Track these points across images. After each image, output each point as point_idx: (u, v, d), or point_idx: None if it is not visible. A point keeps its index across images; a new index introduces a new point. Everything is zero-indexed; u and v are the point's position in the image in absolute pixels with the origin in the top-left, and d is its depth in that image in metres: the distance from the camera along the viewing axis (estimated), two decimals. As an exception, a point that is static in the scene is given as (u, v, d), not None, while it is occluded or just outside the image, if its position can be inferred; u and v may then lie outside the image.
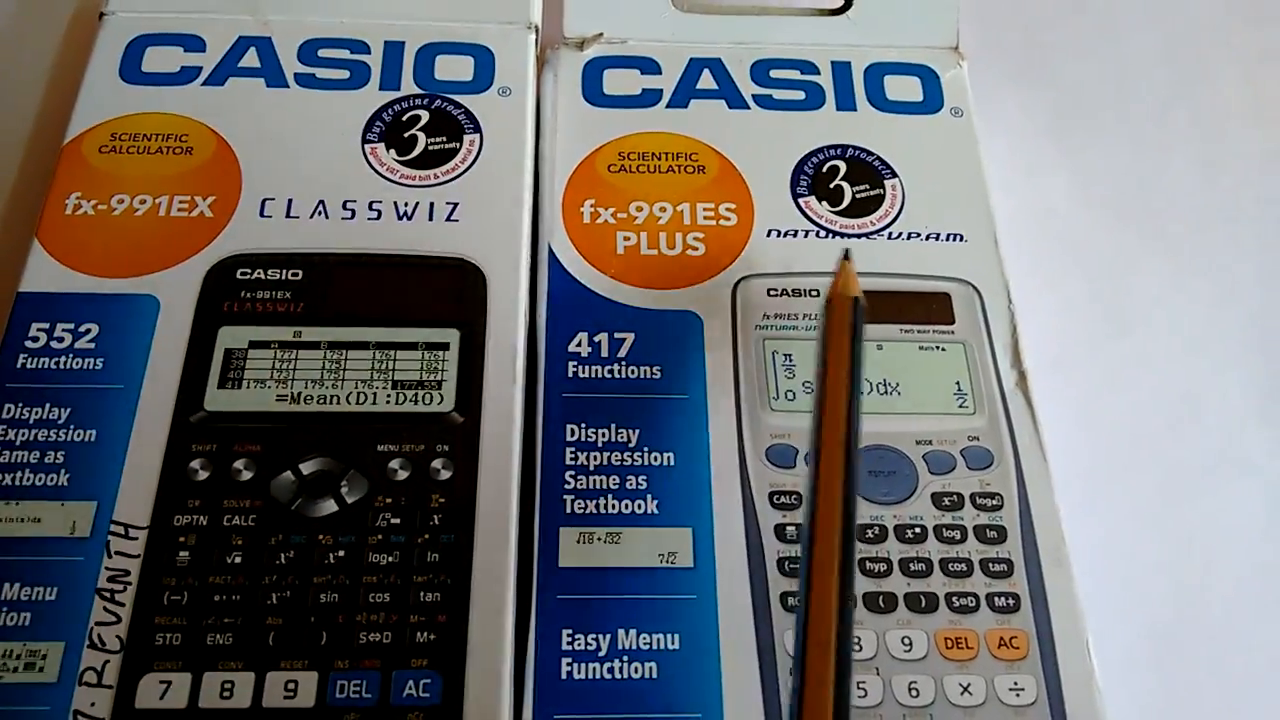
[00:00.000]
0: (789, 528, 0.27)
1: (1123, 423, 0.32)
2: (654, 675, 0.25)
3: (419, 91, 0.33)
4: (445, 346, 0.28)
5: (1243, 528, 0.32)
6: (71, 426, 0.27)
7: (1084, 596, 0.27)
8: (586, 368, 0.29)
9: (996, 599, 0.27)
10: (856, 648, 0.26)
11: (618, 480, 0.28)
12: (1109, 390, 0.33)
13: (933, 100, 0.35)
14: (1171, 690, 0.28)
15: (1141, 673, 0.28)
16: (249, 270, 0.29)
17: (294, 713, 0.23)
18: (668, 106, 0.34)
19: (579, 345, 0.30)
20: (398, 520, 0.26)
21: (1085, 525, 0.28)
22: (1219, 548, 0.31)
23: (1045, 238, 0.36)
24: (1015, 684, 0.26)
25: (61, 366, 0.27)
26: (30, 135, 0.35)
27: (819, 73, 0.35)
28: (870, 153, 0.34)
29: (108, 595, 0.25)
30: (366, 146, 0.32)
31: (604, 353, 0.30)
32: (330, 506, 0.26)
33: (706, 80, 0.35)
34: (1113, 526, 0.30)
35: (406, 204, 0.31)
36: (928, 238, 0.32)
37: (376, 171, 0.31)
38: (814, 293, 0.31)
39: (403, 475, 0.26)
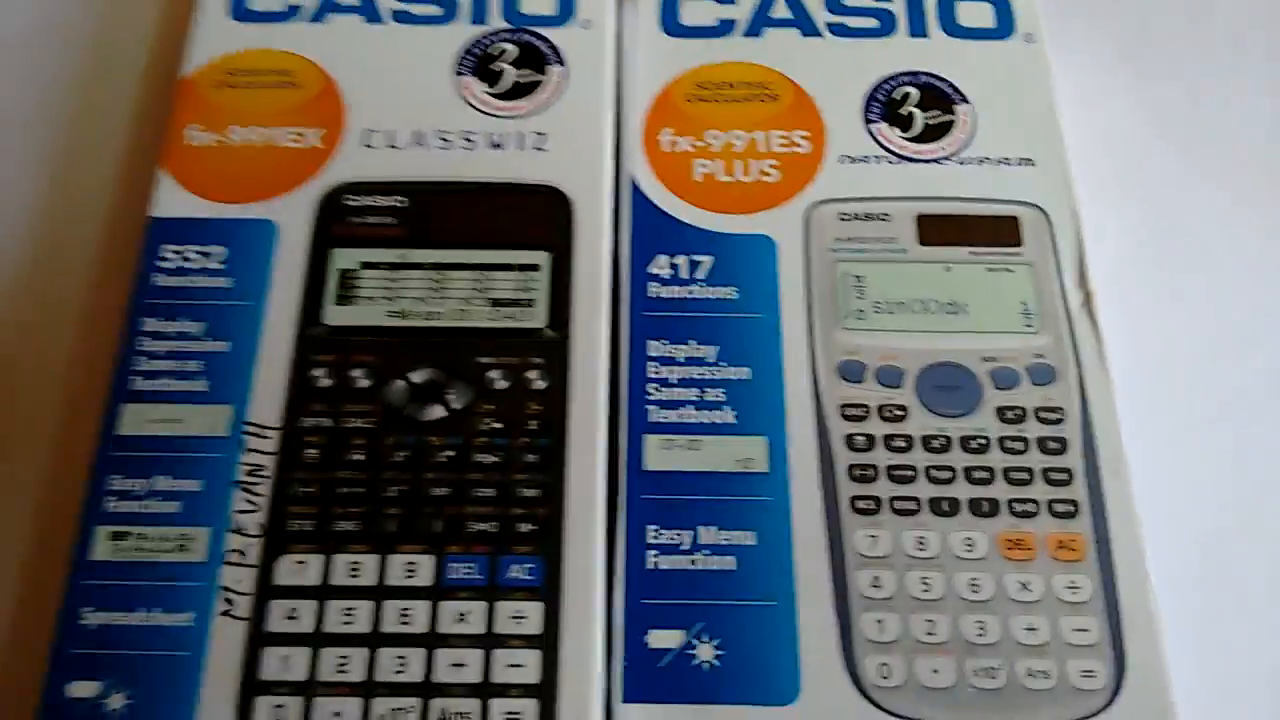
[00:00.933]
0: (858, 437, 0.29)
1: (1183, 344, 0.33)
2: (733, 568, 0.28)
3: (505, 25, 0.35)
4: (536, 268, 0.31)
5: (1299, 447, 0.33)
6: (206, 338, 0.30)
7: (1140, 506, 0.28)
8: (667, 288, 0.31)
9: (1056, 505, 0.28)
10: (921, 548, 0.28)
11: (697, 392, 0.30)
12: (1171, 312, 0.34)
13: (1005, 26, 0.36)
14: (1221, 597, 0.30)
15: (1193, 579, 0.30)
16: (357, 197, 0.31)
17: (414, 589, 0.27)
18: (743, 36, 0.35)
19: (659, 267, 0.32)
20: (499, 425, 0.28)
21: (1144, 440, 0.29)
22: (1272, 465, 0.32)
23: (1112, 164, 0.36)
24: (1072, 583, 0.27)
25: (194, 285, 0.30)
26: (144, 69, 0.38)
27: None
28: (942, 79, 0.34)
29: (246, 487, 0.28)
30: (459, 79, 0.34)
31: (683, 274, 0.32)
32: (439, 411, 0.29)
33: (780, 9, 0.36)
34: (1170, 442, 0.31)
35: (497, 135, 0.33)
36: (998, 163, 0.33)
37: (468, 104, 0.33)
38: (884, 217, 0.32)
39: (502, 385, 0.29)
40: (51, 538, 0.30)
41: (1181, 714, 0.26)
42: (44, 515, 0.31)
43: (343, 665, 0.26)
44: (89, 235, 0.34)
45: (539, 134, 0.33)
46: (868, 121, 0.34)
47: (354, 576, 0.27)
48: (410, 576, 0.27)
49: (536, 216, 0.31)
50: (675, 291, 0.31)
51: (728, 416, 0.30)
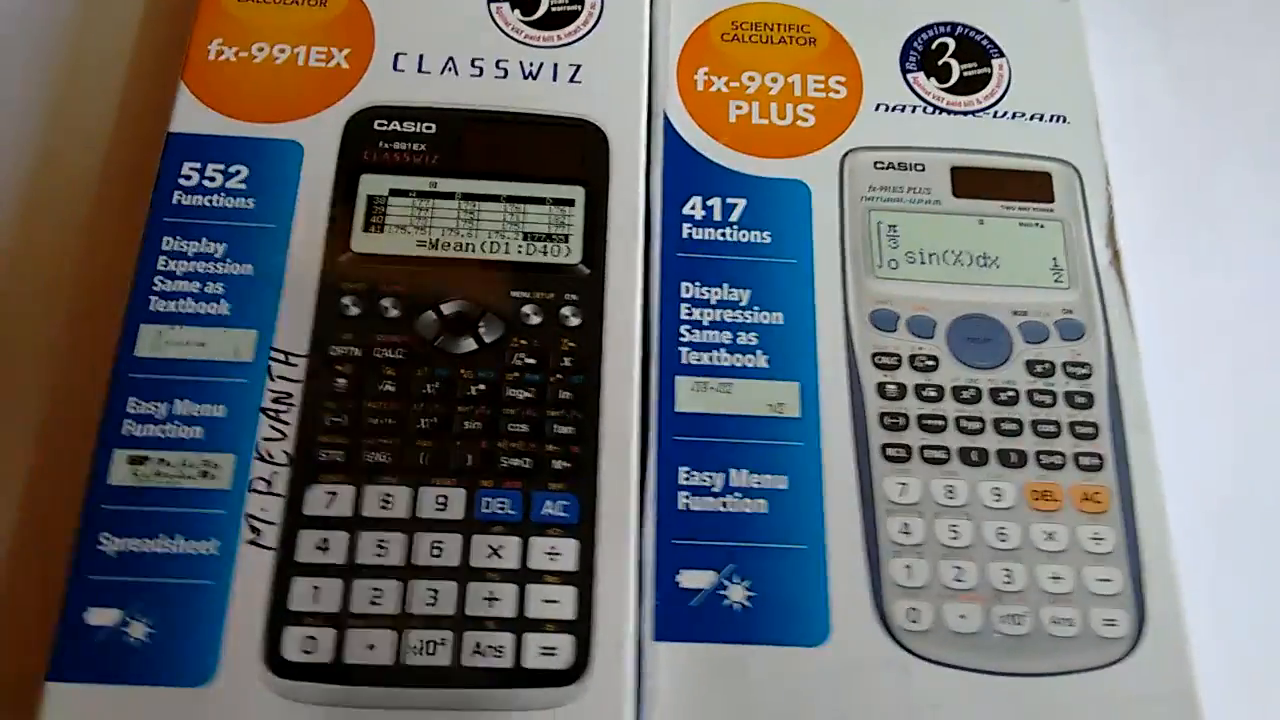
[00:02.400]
0: (889, 386, 0.29)
1: (1206, 304, 0.34)
2: (764, 510, 0.28)
3: (539, -48, 0.34)
4: (571, 202, 0.30)
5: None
6: (228, 260, 0.29)
7: (1163, 461, 0.29)
8: (700, 230, 0.31)
9: (1082, 458, 0.29)
10: (950, 496, 0.28)
11: (729, 336, 0.30)
12: (1194, 273, 0.34)
13: (1042, -18, 0.35)
14: (1238, 550, 0.31)
15: (1212, 532, 0.30)
16: (386, 121, 0.30)
17: (446, 523, 0.26)
18: (781, -24, 0.35)
19: (693, 208, 0.31)
20: (532, 360, 0.28)
21: (1167, 397, 0.30)
22: (1287, 426, 0.33)
23: (1141, 125, 0.36)
24: (1096, 534, 0.28)
25: (215, 204, 0.29)
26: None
27: (932, -52, 0.36)
28: (979, 31, 0.34)
29: (272, 414, 0.27)
30: (492, 6, 0.32)
31: (716, 216, 0.31)
32: (470, 344, 0.28)
33: (818, -50, 0.35)
34: (1192, 399, 0.32)
35: (531, 64, 0.32)
36: (1031, 118, 0.33)
37: (502, 31, 0.32)
38: (919, 167, 0.32)
39: (535, 320, 0.28)
40: (63, 459, 0.29)
41: (1198, 662, 0.27)
42: (55, 437, 0.30)
43: (376, 597, 0.25)
44: (98, 148, 0.33)
45: (574, 65, 0.32)
46: (904, 70, 0.33)
47: (385, 508, 0.26)
48: (441, 510, 0.26)
49: (571, 150, 0.30)
50: (708, 234, 0.31)
51: (760, 361, 0.29)
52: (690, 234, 0.31)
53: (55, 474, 0.29)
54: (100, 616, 0.25)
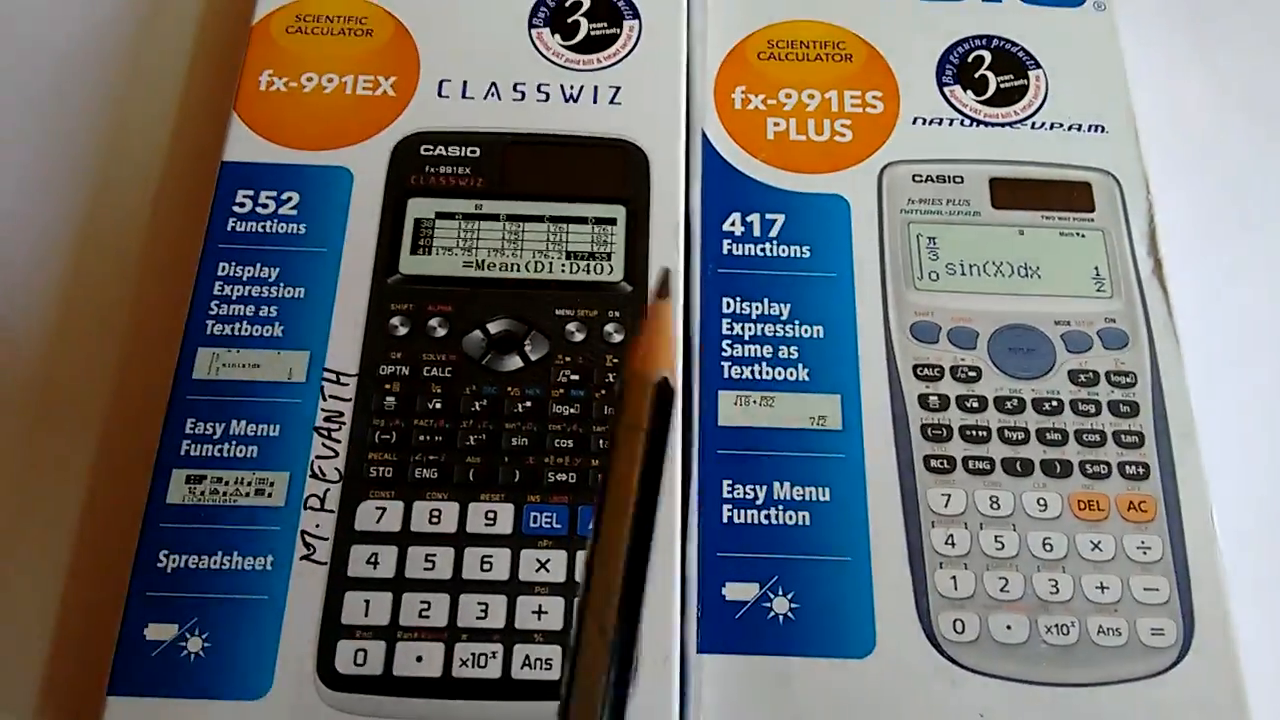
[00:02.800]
0: (931, 397, 0.29)
1: (1248, 312, 0.33)
2: (807, 523, 0.28)
3: (577, -22, 0.35)
4: (613, 221, 0.30)
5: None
6: (281, 284, 0.29)
7: (1209, 468, 0.29)
8: (740, 246, 0.31)
9: (1127, 467, 0.29)
10: (994, 507, 0.28)
11: (770, 350, 0.30)
12: (1236, 281, 0.34)
13: (1076, -8, 0.36)
14: (1285, 559, 0.30)
15: (1259, 540, 0.30)
16: (432, 146, 0.31)
17: (494, 538, 0.27)
18: (815, -5, 0.35)
19: (733, 225, 0.32)
20: (576, 377, 0.28)
21: (1212, 405, 0.30)
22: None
23: (1179, 133, 0.36)
24: (1143, 543, 0.28)
25: (268, 230, 0.30)
26: (203, 15, 0.38)
27: (965, -37, 0.36)
28: (1015, 44, 0.34)
29: (325, 433, 0.28)
30: (533, 31, 0.33)
31: (756, 232, 0.32)
32: (516, 362, 0.29)
33: (851, -32, 0.36)
34: (1237, 407, 0.32)
35: (572, 87, 0.32)
36: (1070, 128, 0.33)
37: (543, 55, 0.33)
38: (958, 179, 0.32)
39: (579, 337, 0.29)
40: (123, 481, 0.30)
41: (1248, 673, 0.26)
42: (113, 458, 0.31)
43: (425, 610, 0.26)
44: (153, 178, 0.34)
45: (613, 88, 0.32)
46: (941, 84, 0.34)
47: (434, 523, 0.27)
48: (490, 525, 0.27)
49: (612, 170, 0.31)
50: (748, 249, 0.31)
51: (801, 374, 0.30)
52: (730, 250, 0.31)
53: (116, 494, 0.30)
54: (158, 631, 0.26)
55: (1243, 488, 0.30)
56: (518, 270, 0.30)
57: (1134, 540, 0.28)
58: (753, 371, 0.30)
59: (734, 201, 0.32)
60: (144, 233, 0.34)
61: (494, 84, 0.32)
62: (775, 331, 0.30)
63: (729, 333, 0.30)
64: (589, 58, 0.33)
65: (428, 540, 0.27)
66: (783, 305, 0.31)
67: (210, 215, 0.30)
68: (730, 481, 0.29)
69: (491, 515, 0.27)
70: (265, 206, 0.30)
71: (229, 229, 0.30)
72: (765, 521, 0.28)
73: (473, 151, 0.31)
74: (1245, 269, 0.35)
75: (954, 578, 0.27)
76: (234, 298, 0.29)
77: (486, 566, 0.26)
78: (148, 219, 0.34)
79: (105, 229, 0.34)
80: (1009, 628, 0.27)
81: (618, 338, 0.29)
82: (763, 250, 0.31)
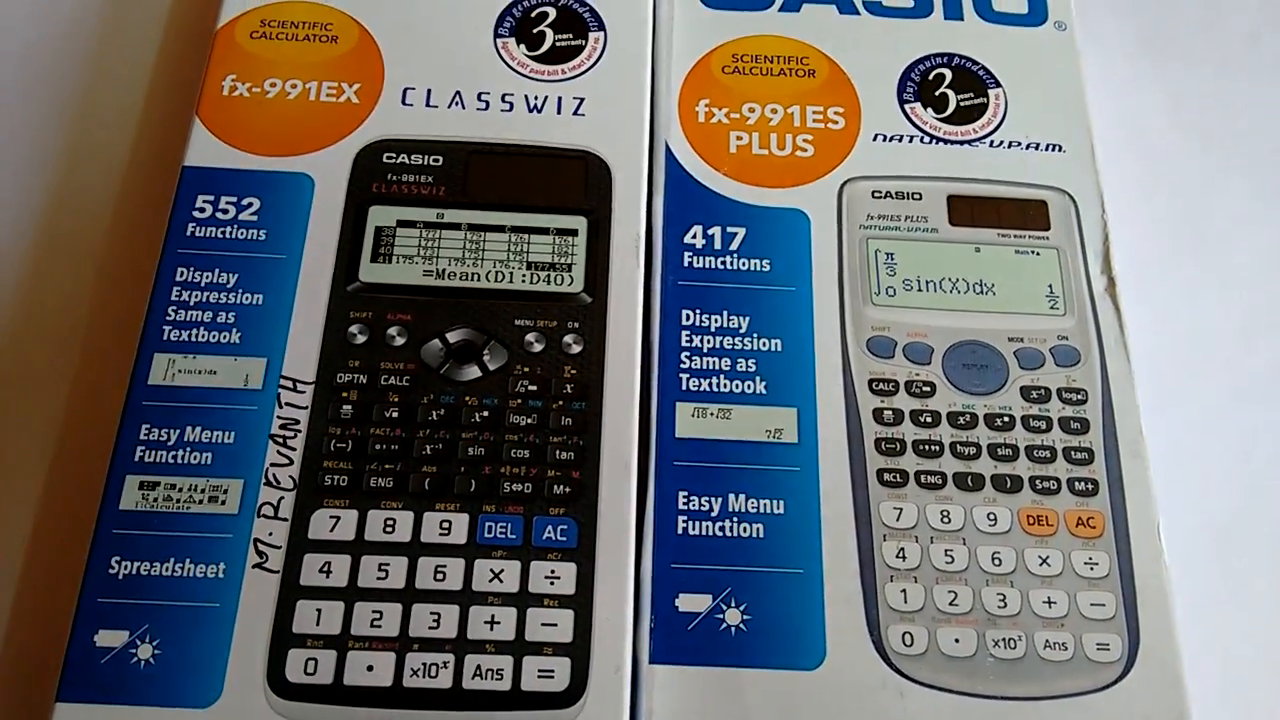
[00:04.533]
0: (886, 411, 0.30)
1: (1200, 330, 0.34)
2: (761, 535, 0.28)
3: (544, -11, 0.35)
4: (574, 232, 0.31)
5: (1306, 436, 0.34)
6: (240, 290, 0.29)
7: (1157, 486, 0.29)
8: (701, 258, 0.32)
9: (1077, 483, 0.29)
10: (945, 521, 0.28)
11: (729, 362, 0.30)
12: (1189, 300, 0.35)
13: (1037, 13, 0.36)
14: (1232, 575, 0.31)
15: (1205, 557, 0.31)
16: (394, 155, 0.31)
17: (449, 547, 0.27)
18: (780, 10, 0.35)
19: (694, 237, 0.32)
20: (534, 387, 0.29)
21: (1161, 422, 0.30)
22: (1282, 452, 0.33)
23: (1136, 153, 0.37)
24: (1090, 559, 0.28)
25: (227, 236, 0.30)
26: (167, 19, 0.37)
27: (928, -18, 0.36)
28: (975, 62, 0.35)
29: (280, 440, 0.28)
30: (498, 41, 0.33)
31: (717, 245, 0.32)
32: (474, 372, 0.29)
33: (816, -15, 0.36)
34: (1187, 425, 0.32)
35: (536, 98, 0.32)
36: (1028, 147, 0.33)
37: (508, 65, 0.33)
38: (916, 196, 0.32)
39: (538, 347, 0.29)
40: (76, 487, 0.30)
41: (1191, 688, 0.27)
42: (67, 463, 0.30)
43: (376, 620, 0.26)
44: (114, 181, 0.34)
45: (577, 99, 0.32)
46: (902, 101, 0.34)
47: (388, 532, 0.27)
48: (444, 534, 0.27)
49: (574, 182, 0.31)
50: (709, 262, 0.31)
51: (759, 387, 0.30)
52: (691, 262, 0.32)
53: (68, 499, 0.30)
54: (109, 638, 0.26)
55: (1190, 505, 0.30)
56: (478, 280, 0.30)
57: (1082, 556, 0.28)
58: (711, 384, 0.30)
59: (695, 214, 0.32)
60: (104, 236, 0.33)
61: (458, 93, 0.32)
62: (734, 344, 0.30)
63: (688, 344, 0.30)
64: (554, 68, 0.33)
65: (381, 549, 0.27)
66: (742, 318, 0.31)
67: (170, 220, 0.30)
68: (686, 493, 0.29)
69: (446, 525, 0.27)
70: (225, 212, 0.30)
71: (188, 234, 0.30)
72: (720, 533, 0.28)
73: (435, 160, 0.31)
74: (1198, 288, 0.35)
75: (904, 591, 0.28)
76: (192, 303, 0.29)
77: (440, 576, 0.26)
78: (108, 222, 0.34)
79: (65, 232, 0.34)
80: (957, 641, 0.27)
81: (576, 349, 0.29)
82: (723, 263, 0.31)
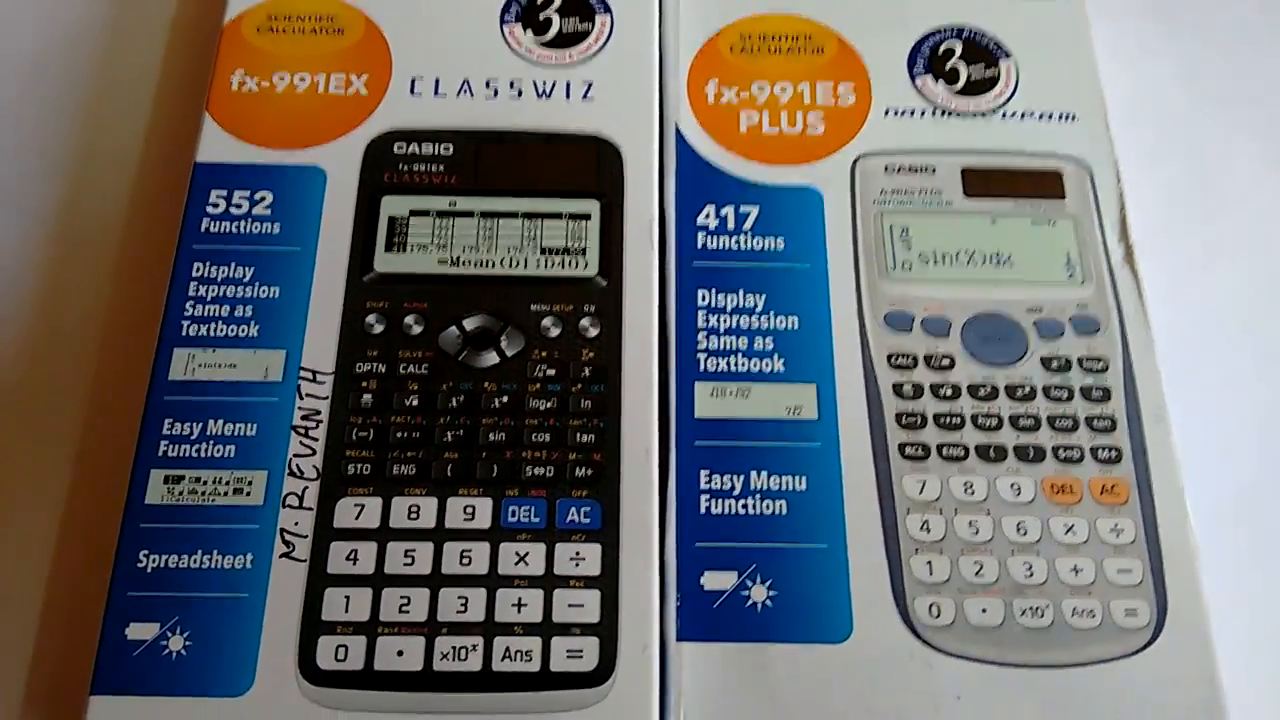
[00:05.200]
0: (905, 386, 0.30)
1: (1218, 296, 0.34)
2: (784, 511, 0.28)
3: (550, -26, 0.35)
4: (587, 216, 0.31)
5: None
6: (256, 284, 0.30)
7: (1181, 451, 0.29)
8: (715, 239, 0.31)
9: (1100, 451, 0.29)
10: (969, 493, 0.28)
11: (746, 341, 0.30)
12: (1207, 266, 0.34)
13: (1046, -18, 0.36)
14: (1258, 538, 0.31)
15: (1230, 522, 0.30)
16: (405, 144, 0.31)
17: (473, 532, 0.27)
18: (787, -12, 0.35)
19: (707, 218, 0.32)
20: (553, 371, 0.29)
21: (1183, 389, 0.30)
22: (1306, 415, 0.33)
23: (1150, 121, 0.36)
24: (1115, 526, 0.28)
25: (242, 230, 0.30)
26: (175, 16, 0.37)
27: (935, -46, 0.36)
28: (985, 34, 0.35)
29: (302, 431, 0.28)
30: (505, 27, 0.33)
31: (730, 225, 0.32)
32: (492, 358, 0.29)
33: (823, -39, 0.36)
34: (1208, 391, 0.32)
35: (545, 83, 0.32)
36: (1041, 117, 0.33)
37: (515, 51, 0.33)
38: (930, 169, 0.32)
39: (554, 332, 0.29)
40: (102, 483, 0.30)
41: (1220, 651, 0.27)
42: (92, 460, 0.31)
43: (404, 605, 0.26)
44: (127, 180, 0.34)
45: (586, 83, 0.32)
46: (913, 75, 0.34)
47: (413, 519, 0.27)
48: (469, 520, 0.27)
49: (586, 166, 0.31)
50: (723, 242, 0.31)
51: (777, 365, 0.30)
52: (705, 243, 0.31)
53: (94, 495, 0.30)
54: (140, 631, 0.26)
55: (1214, 470, 0.30)
56: (492, 266, 0.30)
57: (1107, 523, 0.28)
58: (729, 363, 0.30)
59: (708, 195, 0.32)
60: (119, 235, 0.34)
61: (466, 81, 0.32)
62: (750, 323, 0.30)
63: (705, 325, 0.30)
64: (561, 53, 0.33)
65: (406, 536, 0.27)
66: (758, 297, 0.31)
67: (184, 216, 0.30)
68: (708, 472, 0.29)
69: (470, 510, 0.27)
70: (239, 206, 0.30)
71: (203, 230, 0.30)
72: (743, 511, 0.28)
73: (446, 149, 0.31)
74: (1216, 254, 0.35)
75: (929, 563, 0.28)
76: (209, 298, 0.29)
77: (465, 561, 0.27)
78: (122, 221, 0.34)
79: (80, 232, 0.34)
80: (984, 611, 0.27)
81: (593, 332, 0.29)
82: (737, 243, 0.31)
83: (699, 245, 0.31)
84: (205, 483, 0.27)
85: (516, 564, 0.27)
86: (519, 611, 0.26)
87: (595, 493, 0.27)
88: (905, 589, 0.27)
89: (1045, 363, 0.30)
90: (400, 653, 0.26)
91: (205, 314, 0.29)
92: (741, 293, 0.31)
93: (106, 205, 0.34)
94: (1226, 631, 0.27)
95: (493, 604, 0.26)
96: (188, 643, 0.26)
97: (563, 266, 0.30)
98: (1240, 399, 0.32)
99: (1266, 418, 0.32)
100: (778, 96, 0.33)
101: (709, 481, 0.29)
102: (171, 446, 0.28)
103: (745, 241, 0.31)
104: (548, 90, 0.32)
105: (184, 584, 0.26)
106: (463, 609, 0.26)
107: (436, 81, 0.32)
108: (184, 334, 0.29)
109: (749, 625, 0.27)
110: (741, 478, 0.29)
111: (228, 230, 0.30)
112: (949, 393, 0.29)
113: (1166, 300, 0.32)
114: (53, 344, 0.32)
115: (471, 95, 0.32)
